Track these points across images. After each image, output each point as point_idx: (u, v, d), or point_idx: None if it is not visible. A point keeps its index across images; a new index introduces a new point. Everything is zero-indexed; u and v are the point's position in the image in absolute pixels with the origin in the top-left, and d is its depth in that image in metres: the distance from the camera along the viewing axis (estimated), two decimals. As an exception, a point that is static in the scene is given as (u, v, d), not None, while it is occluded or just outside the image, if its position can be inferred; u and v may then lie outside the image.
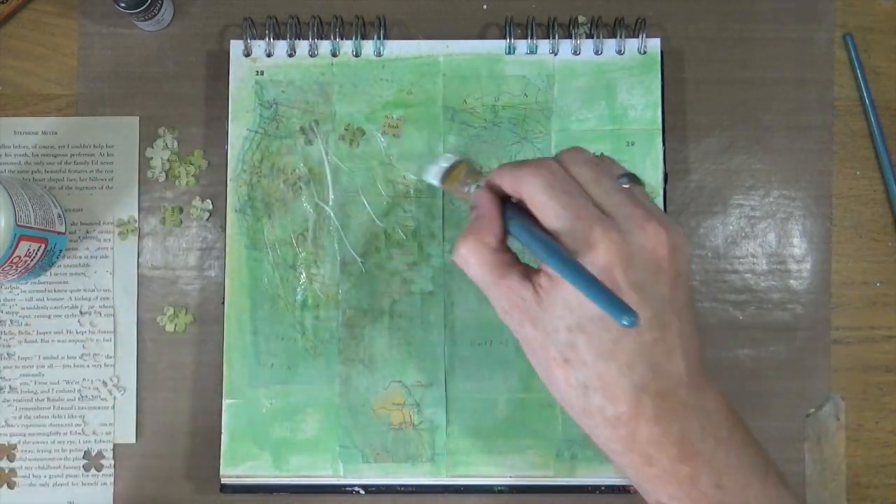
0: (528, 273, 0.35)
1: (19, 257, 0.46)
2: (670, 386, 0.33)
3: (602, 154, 0.38)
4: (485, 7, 0.53)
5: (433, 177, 0.43)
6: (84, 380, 0.51)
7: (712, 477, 0.34)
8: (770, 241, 0.53)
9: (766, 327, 0.52)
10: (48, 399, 0.51)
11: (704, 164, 0.53)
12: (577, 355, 0.33)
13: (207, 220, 0.52)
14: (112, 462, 0.51)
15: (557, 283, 0.33)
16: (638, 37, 0.51)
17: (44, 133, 0.52)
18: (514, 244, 0.37)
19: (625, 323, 0.29)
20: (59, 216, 0.50)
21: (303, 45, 0.51)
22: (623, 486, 0.49)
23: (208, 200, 0.52)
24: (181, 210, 0.52)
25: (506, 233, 0.36)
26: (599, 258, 0.32)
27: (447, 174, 0.43)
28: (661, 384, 0.33)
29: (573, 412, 0.35)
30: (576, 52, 0.51)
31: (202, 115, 0.52)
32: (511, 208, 0.36)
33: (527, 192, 0.34)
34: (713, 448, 0.34)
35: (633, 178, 0.36)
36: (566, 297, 0.33)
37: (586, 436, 0.36)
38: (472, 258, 0.35)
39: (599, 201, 0.34)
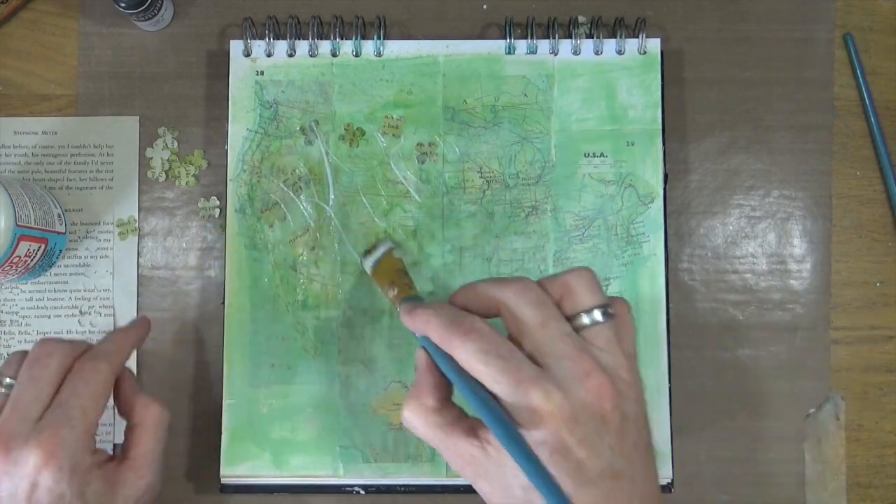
0: (475, 428, 0.35)
1: (19, 257, 0.46)
2: None
3: (586, 268, 0.35)
4: (485, 7, 0.53)
5: (367, 267, 0.48)
6: (84, 380, 0.51)
7: None
8: (770, 241, 0.53)
9: (766, 327, 0.52)
10: (48, 399, 0.51)
11: (704, 164, 0.53)
12: None
13: (209, 219, 0.52)
14: (112, 462, 0.51)
15: None
16: (638, 37, 0.51)
17: (44, 133, 0.52)
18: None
19: None
20: (59, 216, 0.50)
21: (303, 45, 0.51)
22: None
23: (214, 198, 0.52)
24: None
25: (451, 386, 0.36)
26: (545, 427, 0.32)
27: (378, 264, 0.47)
28: None
29: None
30: (576, 52, 0.51)
31: (202, 115, 0.52)
32: (452, 364, 0.35)
33: (461, 359, 0.34)
34: None
35: (607, 313, 0.34)
36: None
37: None
38: (416, 421, 0.36)
39: (541, 349, 0.33)
